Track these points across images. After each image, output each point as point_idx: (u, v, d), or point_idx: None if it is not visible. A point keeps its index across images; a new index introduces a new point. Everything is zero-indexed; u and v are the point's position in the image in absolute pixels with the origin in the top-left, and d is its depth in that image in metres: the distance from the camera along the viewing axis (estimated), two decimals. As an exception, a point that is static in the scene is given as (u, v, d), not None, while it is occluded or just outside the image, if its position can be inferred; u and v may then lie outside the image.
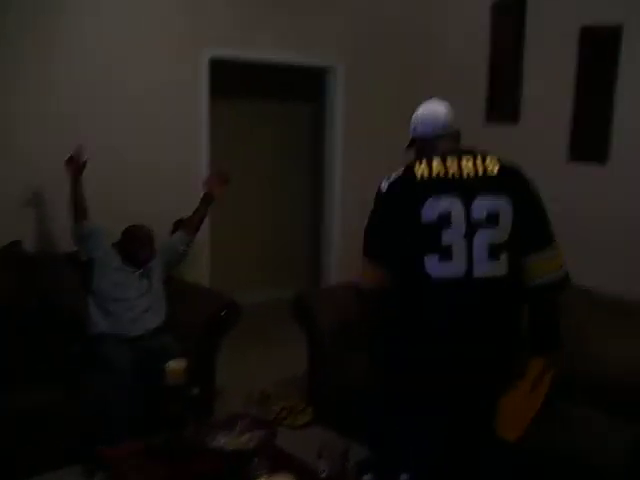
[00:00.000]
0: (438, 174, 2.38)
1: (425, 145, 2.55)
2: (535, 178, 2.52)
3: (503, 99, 5.11)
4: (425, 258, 2.34)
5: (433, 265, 2.34)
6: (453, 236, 2.34)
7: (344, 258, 5.53)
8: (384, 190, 2.43)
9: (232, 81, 5.92)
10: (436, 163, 2.40)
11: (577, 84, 4.68)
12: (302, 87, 6.38)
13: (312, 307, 4.04)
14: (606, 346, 3.35)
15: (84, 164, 3.94)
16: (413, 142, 2.61)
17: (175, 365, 2.79)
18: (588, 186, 4.59)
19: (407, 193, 2.41)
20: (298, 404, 4.13)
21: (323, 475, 2.43)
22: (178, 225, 4.35)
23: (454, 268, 2.34)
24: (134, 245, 3.96)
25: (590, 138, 4.62)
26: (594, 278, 3.84)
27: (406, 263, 2.39)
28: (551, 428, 2.94)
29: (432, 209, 2.34)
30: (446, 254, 2.34)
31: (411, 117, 2.63)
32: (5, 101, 4.03)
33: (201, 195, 4.21)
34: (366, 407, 2.97)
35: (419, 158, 2.47)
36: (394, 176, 2.44)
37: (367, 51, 5.50)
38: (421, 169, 2.40)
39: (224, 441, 2.58)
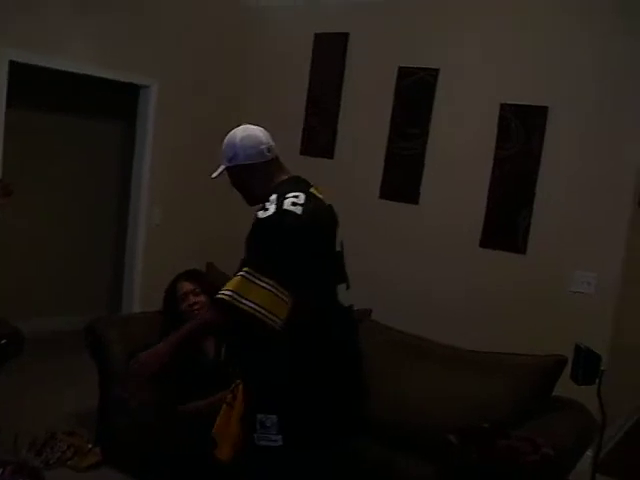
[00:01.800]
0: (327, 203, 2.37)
1: (253, 172, 2.39)
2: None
3: (319, 133, 5.11)
4: (338, 287, 2.30)
5: (343, 294, 2.32)
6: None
7: (147, 283, 5.25)
8: (299, 212, 2.18)
9: (38, 92, 5.54)
10: (316, 190, 2.35)
11: (392, 124, 4.75)
12: (115, 103, 6.03)
13: (103, 337, 3.72)
14: (403, 386, 3.32)
15: None
16: (232, 170, 2.43)
17: None
18: (400, 222, 4.67)
19: (323, 218, 2.30)
20: (85, 444, 3.77)
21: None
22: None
23: (350, 297, 2.36)
24: None
25: (403, 178, 4.70)
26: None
27: (319, 294, 2.26)
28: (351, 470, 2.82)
29: (338, 237, 2.32)
30: (347, 283, 2.35)
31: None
32: None
33: None
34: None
35: (254, 184, 2.38)
36: (301, 199, 2.21)
37: (183, 72, 5.32)
38: (320, 194, 2.34)
39: (-19, 492, 2.25)
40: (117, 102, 5.96)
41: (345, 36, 4.97)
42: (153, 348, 2.23)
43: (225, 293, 2.10)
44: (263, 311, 2.07)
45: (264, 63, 5.48)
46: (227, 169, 2.44)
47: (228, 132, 2.48)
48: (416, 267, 4.62)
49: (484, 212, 4.35)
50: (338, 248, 2.32)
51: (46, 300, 5.94)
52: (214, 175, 2.48)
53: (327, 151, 5.05)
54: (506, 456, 2.57)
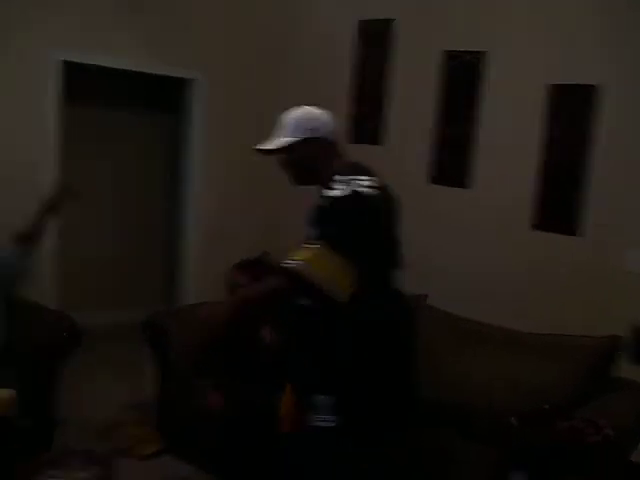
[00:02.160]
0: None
1: (328, 149, 2.40)
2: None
3: (366, 120, 5.09)
4: (394, 272, 2.34)
5: (399, 279, 2.36)
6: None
7: (201, 275, 5.31)
8: (372, 194, 2.22)
9: (89, 88, 5.62)
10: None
11: (439, 108, 4.72)
12: (163, 97, 6.10)
13: (165, 330, 3.77)
14: (464, 371, 3.32)
15: None
16: (307, 144, 2.37)
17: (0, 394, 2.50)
18: (451, 207, 4.64)
19: (390, 203, 2.35)
20: (146, 432, 3.86)
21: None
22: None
23: (403, 282, 2.39)
24: None
25: (452, 163, 4.67)
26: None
27: (383, 275, 2.32)
28: (414, 455, 2.85)
29: (399, 224, 2.37)
30: (403, 269, 2.37)
31: (275, 128, 2.43)
32: None
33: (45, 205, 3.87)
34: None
35: (323, 162, 2.36)
36: (371, 183, 2.24)
37: (228, 62, 5.36)
38: (381, 180, 2.35)
39: (55, 480, 2.33)
40: (166, 95, 6.00)
41: (389, 22, 4.95)
42: (216, 302, 2.29)
43: (294, 262, 2.12)
44: (328, 284, 2.09)
45: (309, 51, 5.47)
46: (296, 143, 2.36)
47: (277, 117, 2.45)
48: (469, 252, 4.58)
49: (535, 195, 4.29)
50: (398, 235, 2.35)
51: (102, 294, 6.06)
52: (276, 147, 2.39)
53: (375, 138, 5.05)
54: (568, 437, 2.56)
